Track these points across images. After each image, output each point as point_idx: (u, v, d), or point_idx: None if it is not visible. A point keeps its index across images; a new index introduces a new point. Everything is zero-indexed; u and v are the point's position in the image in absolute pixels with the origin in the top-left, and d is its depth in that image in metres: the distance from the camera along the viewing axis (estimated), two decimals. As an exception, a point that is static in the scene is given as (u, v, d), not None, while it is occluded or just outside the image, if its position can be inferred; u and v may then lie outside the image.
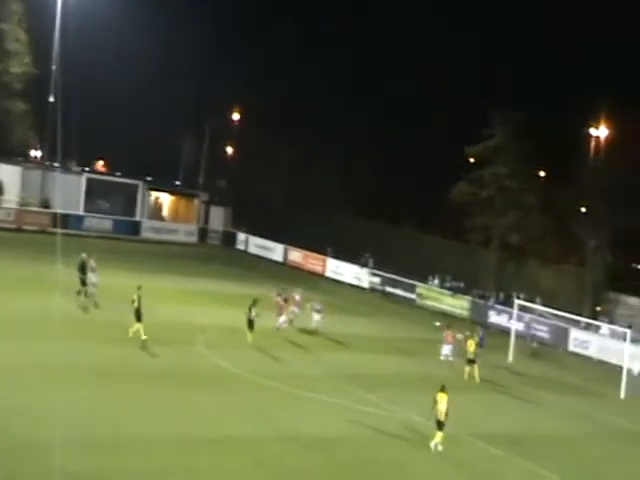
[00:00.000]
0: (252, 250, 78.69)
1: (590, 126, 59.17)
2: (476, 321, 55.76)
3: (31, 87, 75.09)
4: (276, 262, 74.25)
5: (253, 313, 38.83)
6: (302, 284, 52.82)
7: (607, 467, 29.98)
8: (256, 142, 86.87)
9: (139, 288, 37.00)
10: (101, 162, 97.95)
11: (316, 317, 44.56)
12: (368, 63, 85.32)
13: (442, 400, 28.03)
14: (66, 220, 68.41)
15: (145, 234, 76.95)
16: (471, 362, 39.54)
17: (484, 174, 63.38)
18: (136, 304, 36.21)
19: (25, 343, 32.87)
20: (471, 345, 39.78)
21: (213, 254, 73.24)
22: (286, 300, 45.15)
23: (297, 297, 45.21)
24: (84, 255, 43.03)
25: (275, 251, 75.94)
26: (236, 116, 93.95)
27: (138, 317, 36.16)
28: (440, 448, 27.88)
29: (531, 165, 63.32)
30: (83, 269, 42.36)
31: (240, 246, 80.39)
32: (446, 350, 42.45)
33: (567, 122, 61.50)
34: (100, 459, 23.11)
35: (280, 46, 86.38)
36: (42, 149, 78.04)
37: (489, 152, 63.18)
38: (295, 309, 44.78)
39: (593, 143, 59.25)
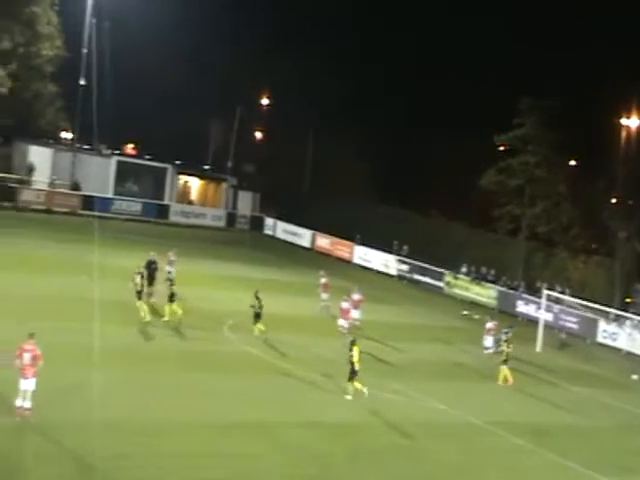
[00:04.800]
0: (280, 235, 78.77)
1: (621, 116, 58.70)
2: (504, 311, 55.64)
3: (62, 70, 75.46)
4: (304, 248, 74.30)
5: (257, 304, 37.76)
6: (329, 270, 52.71)
7: (632, 459, 29.79)
8: (284, 126, 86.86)
9: (257, 292, 37.78)
10: (131, 145, 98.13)
11: (355, 313, 42.78)
12: (396, 49, 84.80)
13: (356, 352, 29.96)
14: (96, 202, 68.68)
15: (173, 218, 77.22)
16: (505, 362, 37.22)
17: (513, 163, 63.11)
18: (257, 306, 37.14)
19: (56, 324, 33.13)
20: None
21: (241, 239, 73.40)
22: (327, 285, 45.14)
23: (356, 297, 43.27)
24: (153, 254, 42.40)
25: (303, 237, 75.98)
26: (265, 101, 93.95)
27: (257, 317, 37.25)
28: (350, 397, 29.51)
29: (561, 155, 62.92)
30: (150, 268, 40.99)
31: (268, 231, 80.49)
32: (488, 342, 41.54)
33: (598, 111, 60.97)
34: (128, 442, 23.33)
35: (309, 31, 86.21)
36: (73, 131, 78.37)
37: (518, 141, 62.92)
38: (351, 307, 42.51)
39: (624, 133, 58.76)
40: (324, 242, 73.74)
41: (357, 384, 30.43)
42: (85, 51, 70.59)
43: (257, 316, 37.56)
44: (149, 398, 27.26)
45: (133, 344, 33.37)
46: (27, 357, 23.46)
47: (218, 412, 27.11)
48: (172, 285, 37.71)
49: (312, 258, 67.69)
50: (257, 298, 37.75)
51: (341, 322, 40.08)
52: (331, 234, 72.73)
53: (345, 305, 40.61)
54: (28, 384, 23.38)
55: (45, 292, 38.62)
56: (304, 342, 38.10)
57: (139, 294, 36.47)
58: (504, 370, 36.98)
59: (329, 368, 34.17)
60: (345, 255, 71.03)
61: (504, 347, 37.60)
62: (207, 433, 25.07)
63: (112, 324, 34.97)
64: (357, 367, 30.36)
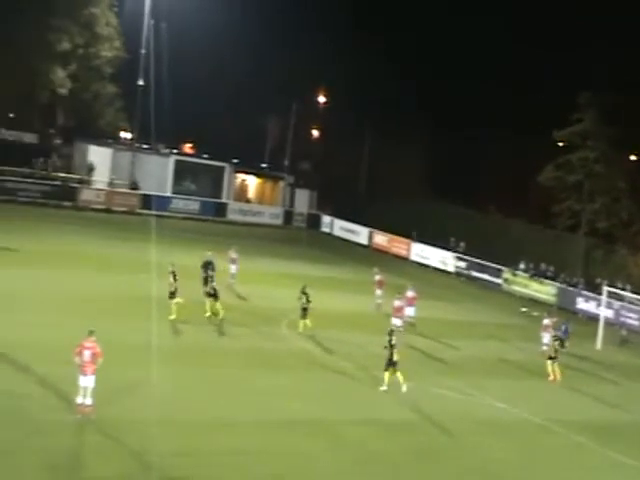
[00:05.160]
0: (337, 233, 78.81)
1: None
2: (563, 307, 55.11)
3: (121, 71, 76.29)
4: (361, 245, 74.25)
5: (304, 300, 37.62)
6: (386, 268, 52.69)
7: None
8: (341, 125, 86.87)
9: (304, 287, 37.77)
10: (189, 144, 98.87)
11: (409, 311, 42.63)
12: (451, 45, 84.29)
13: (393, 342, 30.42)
14: (154, 201, 69.33)
15: (231, 216, 77.68)
16: (552, 359, 36.74)
17: (572, 158, 62.45)
18: (304, 301, 37.12)
19: (115, 322, 33.60)
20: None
21: (298, 237, 73.60)
22: (381, 282, 45.12)
23: (410, 294, 42.79)
24: (209, 254, 42.22)
25: (360, 234, 75.93)
26: (322, 99, 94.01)
27: (304, 312, 37.13)
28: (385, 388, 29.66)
29: (620, 150, 62.08)
30: (207, 268, 40.80)
31: (325, 229, 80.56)
32: (546, 339, 40.50)
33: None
34: (187, 440, 23.58)
35: (366, 30, 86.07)
36: (132, 131, 79.20)
37: (577, 136, 62.24)
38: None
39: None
40: (381, 239, 73.63)
41: (388, 374, 30.54)
42: (143, 52, 71.22)
43: (304, 311, 37.45)
44: (208, 395, 27.50)
45: (191, 342, 33.65)
46: (87, 354, 23.76)
47: (276, 409, 27.23)
48: (212, 282, 37.42)
49: (369, 256, 67.61)
50: (304, 294, 37.64)
51: (394, 321, 39.59)
52: (388, 231, 72.60)
53: (398, 303, 40.24)
54: (87, 381, 23.70)
55: (105, 290, 39.13)
56: (360, 340, 38.03)
57: (172, 294, 36.18)
58: (551, 366, 36.57)
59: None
60: (402, 252, 70.85)
61: (552, 343, 37.40)
62: (266, 430, 25.22)
63: (170, 322, 35.30)
64: (395, 357, 30.44)
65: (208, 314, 36.82)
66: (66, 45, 73.22)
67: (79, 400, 23.72)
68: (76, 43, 74.07)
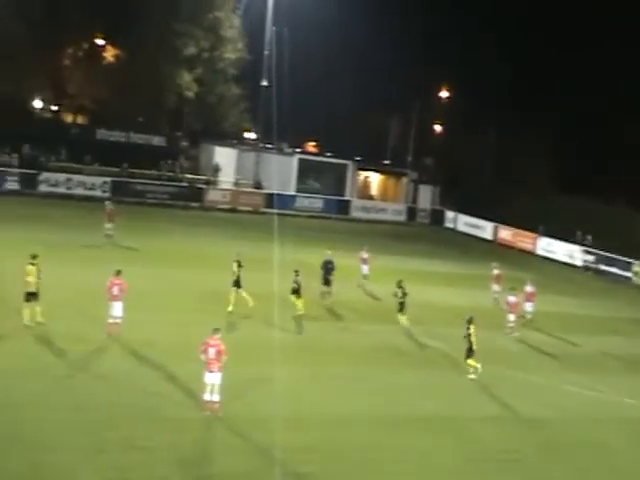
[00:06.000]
0: (461, 228, 78.31)
1: None
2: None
3: (243, 72, 77.60)
4: (485, 240, 73.56)
5: (400, 294, 36.82)
6: (512, 262, 52.21)
7: None
8: (464, 119, 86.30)
9: (401, 282, 37.18)
10: (312, 143, 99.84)
11: (529, 307, 41.83)
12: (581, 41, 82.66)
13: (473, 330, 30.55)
14: (278, 200, 70.19)
15: (354, 213, 78.07)
16: None
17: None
18: (400, 295, 36.61)
19: (237, 319, 34.38)
20: None
21: (422, 233, 73.45)
22: (499, 277, 44.72)
23: (529, 289, 41.93)
24: (329, 252, 41.49)
25: (484, 229, 75.24)
26: (444, 93, 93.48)
27: (401, 306, 36.74)
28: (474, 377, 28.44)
29: None
30: (326, 268, 40.32)
31: (449, 224, 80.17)
32: None
33: None
34: (312, 436, 23.95)
35: (488, 23, 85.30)
36: (255, 131, 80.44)
37: None
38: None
39: None
40: (506, 234, 72.79)
41: (472, 362, 30.83)
42: (267, 52, 72.14)
43: (401, 305, 36.84)
44: (330, 392, 27.81)
45: (311, 339, 34.03)
46: (212, 352, 24.29)
47: (399, 405, 27.37)
48: (297, 276, 36.56)
49: (494, 251, 66.89)
50: (400, 287, 36.86)
51: (510, 317, 38.90)
52: (513, 226, 71.73)
53: (512, 299, 39.19)
54: (214, 378, 24.25)
55: (227, 289, 39.69)
56: (482, 334, 37.82)
57: (236, 283, 35.74)
58: None
59: (510, 360, 33.96)
60: (528, 247, 69.89)
61: None
62: (390, 426, 25.37)
63: (292, 320, 35.75)
64: (475, 346, 30.59)
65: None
66: (192, 49, 75.11)
67: (206, 397, 24.34)
68: (201, 47, 75.85)
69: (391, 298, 37.24)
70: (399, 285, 36.95)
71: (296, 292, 36.53)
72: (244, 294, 35.76)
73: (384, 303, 40.50)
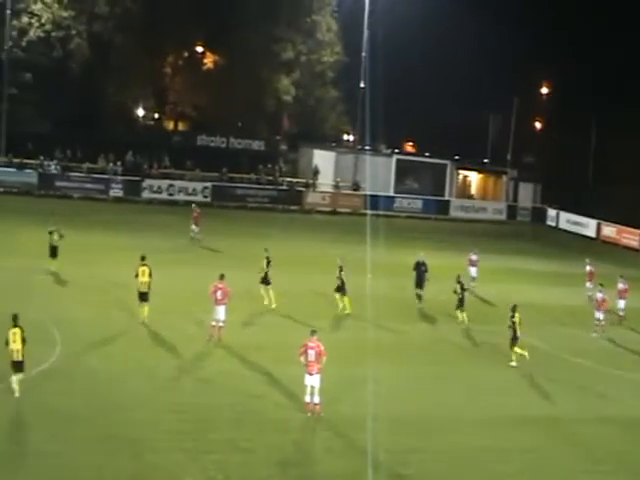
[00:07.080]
0: (563, 226, 77.02)
1: None
2: None
3: (340, 74, 77.94)
4: (588, 238, 72.21)
5: (459, 290, 36.10)
6: (615, 260, 51.15)
7: None
8: (565, 116, 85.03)
9: (459, 277, 36.98)
10: (410, 143, 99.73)
11: (619, 304, 40.42)
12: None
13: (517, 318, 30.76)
14: (377, 201, 70.20)
15: (454, 213, 77.59)
16: None
17: None
18: (459, 291, 36.19)
19: (338, 321, 34.61)
20: None
21: (523, 231, 72.55)
22: (592, 274, 43.85)
23: (621, 286, 40.55)
24: (422, 254, 40.60)
25: (587, 226, 73.87)
26: (544, 90, 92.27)
27: (460, 303, 36.32)
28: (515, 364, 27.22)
29: None
30: (419, 270, 39.49)
31: (550, 222, 78.98)
32: None
33: None
34: (416, 437, 23.99)
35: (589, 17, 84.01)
36: (354, 133, 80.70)
37: None
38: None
39: None
40: (610, 231, 71.39)
41: (518, 349, 30.86)
42: (364, 54, 72.25)
43: (460, 302, 36.18)
44: (432, 392, 27.82)
45: (408, 339, 34.09)
46: (311, 354, 24.47)
47: (504, 406, 27.20)
48: (341, 272, 35.93)
49: (597, 248, 65.65)
50: (459, 283, 36.26)
51: (598, 315, 37.43)
52: (617, 222, 70.33)
53: (600, 296, 37.64)
54: (313, 380, 24.43)
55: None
56: (573, 332, 37.65)
57: (263, 280, 35.89)
58: None
59: (611, 359, 33.45)
60: (633, 244, 68.41)
61: None
62: (495, 427, 25.30)
63: (389, 320, 35.77)
64: (519, 333, 30.73)
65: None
66: (290, 53, 75.78)
67: (307, 399, 24.56)
68: (299, 51, 76.44)
69: (495, 298, 36.84)
70: (458, 281, 36.43)
71: (340, 290, 35.96)
72: (271, 293, 35.82)
73: (488, 302, 40.17)
